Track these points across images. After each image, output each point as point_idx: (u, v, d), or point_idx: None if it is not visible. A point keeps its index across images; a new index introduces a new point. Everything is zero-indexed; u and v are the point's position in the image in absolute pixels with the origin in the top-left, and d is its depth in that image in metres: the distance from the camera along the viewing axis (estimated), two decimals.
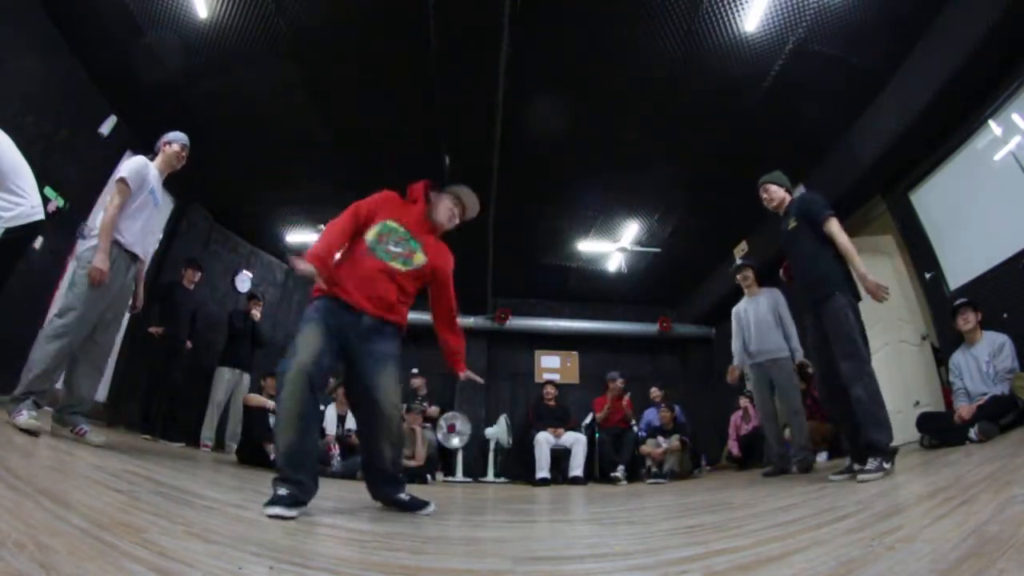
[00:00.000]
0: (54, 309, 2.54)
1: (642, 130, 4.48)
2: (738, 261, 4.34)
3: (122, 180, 2.64)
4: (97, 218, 2.67)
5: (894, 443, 3.37)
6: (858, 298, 2.55)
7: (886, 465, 2.26)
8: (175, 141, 2.95)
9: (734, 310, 4.35)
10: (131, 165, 2.72)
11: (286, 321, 6.99)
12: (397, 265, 1.99)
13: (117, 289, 2.66)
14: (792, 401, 3.84)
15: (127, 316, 2.96)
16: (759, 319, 4.02)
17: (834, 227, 2.62)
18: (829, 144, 4.48)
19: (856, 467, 2.56)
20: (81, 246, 2.63)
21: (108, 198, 2.67)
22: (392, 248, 2.01)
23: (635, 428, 5.78)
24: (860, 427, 2.55)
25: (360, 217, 2.03)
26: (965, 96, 3.46)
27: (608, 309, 7.84)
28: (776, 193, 2.99)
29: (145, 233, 2.79)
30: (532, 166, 4.97)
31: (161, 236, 3.02)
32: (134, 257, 2.74)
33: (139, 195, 2.71)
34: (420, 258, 2.06)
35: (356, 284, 1.92)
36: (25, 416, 2.23)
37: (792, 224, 2.77)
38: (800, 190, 4.97)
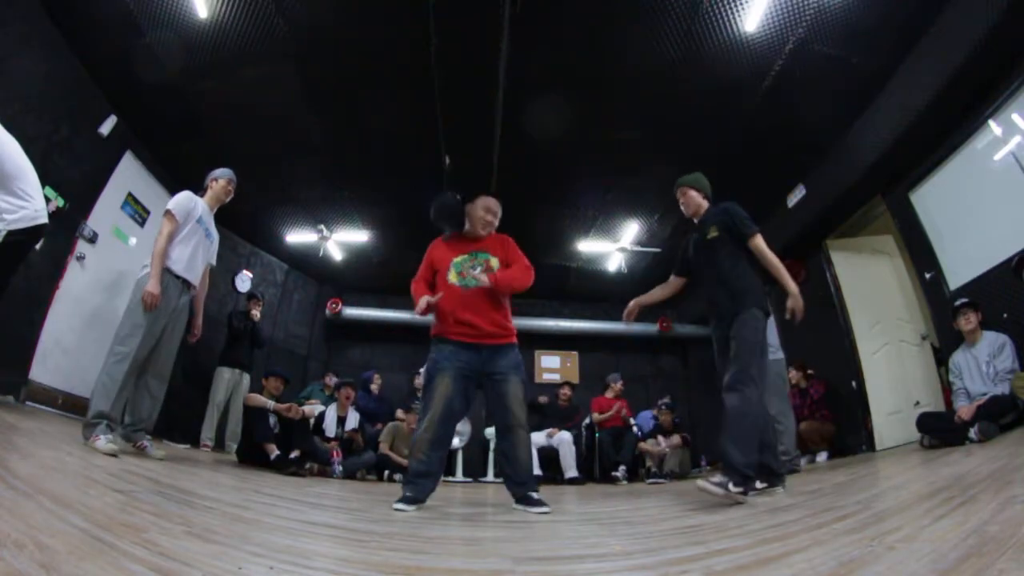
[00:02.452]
0: (116, 336, 2.71)
1: (642, 130, 4.48)
2: None
3: (168, 212, 2.84)
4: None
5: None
6: (767, 314, 2.45)
7: (732, 488, 2.04)
8: (221, 176, 3.13)
9: None
10: (176, 198, 2.92)
11: (286, 321, 7.00)
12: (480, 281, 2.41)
13: (171, 313, 2.82)
14: (776, 403, 3.76)
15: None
16: None
17: (761, 243, 2.51)
18: (829, 144, 4.48)
19: (759, 484, 2.42)
20: (140, 271, 2.82)
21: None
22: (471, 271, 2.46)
23: (634, 428, 5.78)
24: (762, 446, 2.38)
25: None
26: (965, 96, 3.45)
27: (608, 309, 7.84)
28: (694, 199, 2.79)
29: (196, 262, 2.96)
30: (532, 166, 4.97)
31: (215, 263, 3.23)
32: (187, 284, 2.91)
33: (186, 225, 2.89)
34: (493, 261, 2.53)
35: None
36: (103, 441, 2.37)
37: (712, 234, 2.61)
38: (800, 191, 4.99)
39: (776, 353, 3.94)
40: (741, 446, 2.13)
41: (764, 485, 2.47)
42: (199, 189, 3.12)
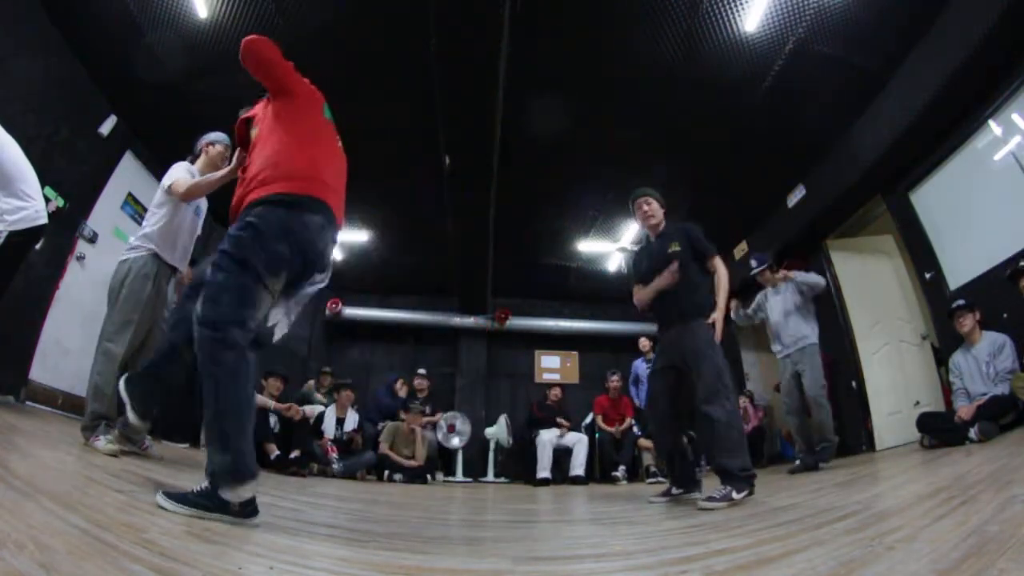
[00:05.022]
0: (104, 329, 2.54)
1: (642, 130, 4.48)
2: (752, 264, 4.32)
3: (175, 185, 2.54)
4: (144, 228, 2.66)
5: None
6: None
7: (736, 495, 2.12)
8: (218, 142, 2.81)
9: (759, 295, 4.37)
10: (176, 173, 2.62)
11: None
12: None
13: (160, 302, 2.62)
14: (816, 386, 3.80)
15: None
16: (784, 309, 4.03)
17: (720, 263, 2.62)
18: (829, 144, 4.48)
19: (674, 491, 2.61)
20: (125, 254, 2.61)
21: (160, 208, 2.61)
22: None
23: (634, 429, 5.76)
24: (684, 455, 2.62)
25: None
26: (965, 96, 3.45)
27: (608, 309, 7.84)
28: (658, 211, 2.85)
29: (186, 248, 2.76)
30: (532, 166, 4.97)
31: (200, 234, 2.94)
32: (174, 270, 2.72)
33: (183, 207, 2.64)
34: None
35: None
36: (103, 441, 2.30)
37: (675, 248, 2.67)
38: (800, 191, 4.99)
39: (810, 338, 3.91)
40: (735, 454, 2.24)
41: (680, 491, 2.60)
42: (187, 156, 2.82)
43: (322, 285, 1.63)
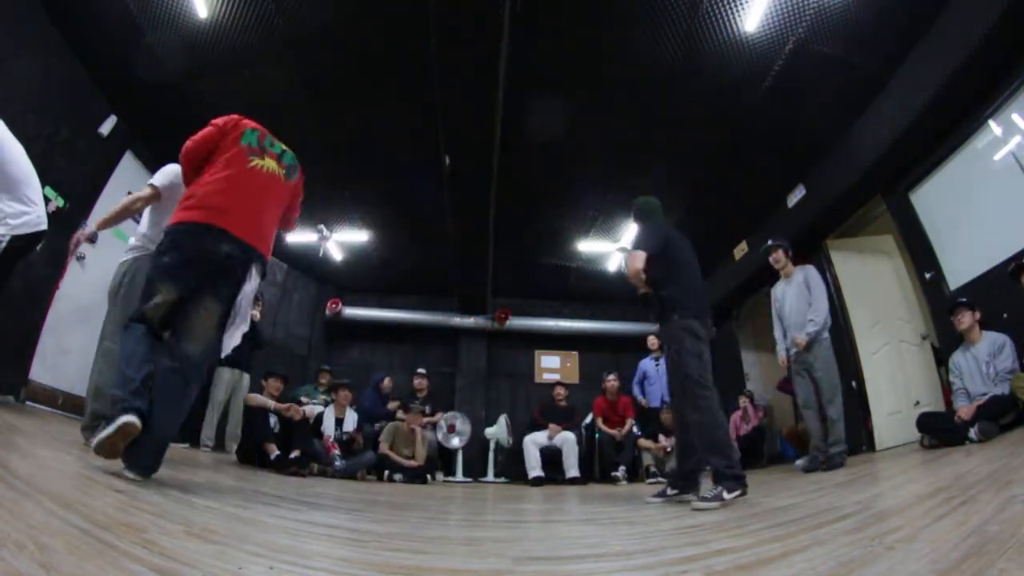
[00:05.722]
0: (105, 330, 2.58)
1: (642, 130, 4.48)
2: (769, 241, 4.28)
3: (151, 187, 2.58)
4: (141, 228, 2.70)
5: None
6: (695, 316, 2.47)
7: (726, 495, 2.09)
8: None
9: (772, 292, 4.28)
10: (164, 172, 2.65)
11: (286, 321, 7.00)
12: None
13: None
14: (830, 387, 3.69)
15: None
16: (794, 301, 3.98)
17: (627, 258, 2.61)
18: (829, 144, 4.48)
19: (669, 491, 2.60)
20: (125, 255, 2.64)
21: (155, 208, 2.64)
22: None
23: (634, 429, 5.76)
24: (690, 454, 2.57)
25: None
26: (965, 96, 3.45)
27: (608, 309, 7.84)
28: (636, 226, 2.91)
29: None
30: (532, 166, 4.97)
31: None
32: None
33: (170, 205, 2.51)
34: None
35: None
36: None
37: None
38: (800, 191, 4.99)
39: (822, 332, 3.82)
40: (720, 453, 2.23)
41: (675, 492, 2.58)
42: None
43: (255, 283, 2.00)
